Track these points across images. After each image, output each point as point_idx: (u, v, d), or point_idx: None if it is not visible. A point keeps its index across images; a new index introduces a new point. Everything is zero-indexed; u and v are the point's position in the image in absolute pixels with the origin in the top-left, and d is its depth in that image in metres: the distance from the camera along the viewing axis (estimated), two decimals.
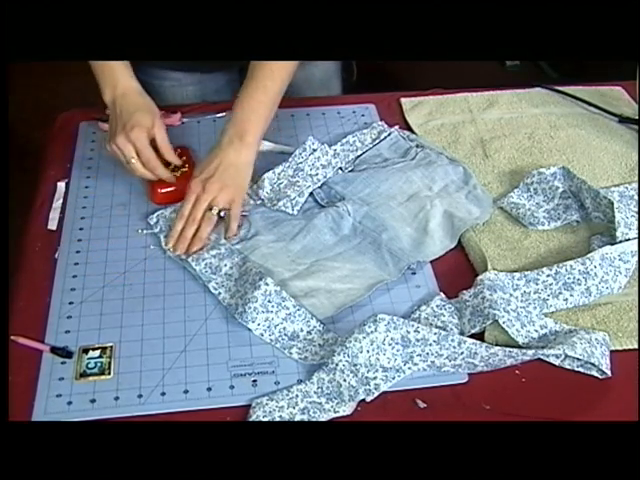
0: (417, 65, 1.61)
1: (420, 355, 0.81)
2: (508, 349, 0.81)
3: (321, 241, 0.96)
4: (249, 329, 0.85)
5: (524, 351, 0.81)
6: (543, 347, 0.82)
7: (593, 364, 0.80)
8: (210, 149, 0.99)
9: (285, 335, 0.85)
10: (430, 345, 0.82)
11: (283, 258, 0.93)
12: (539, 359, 0.82)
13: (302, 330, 0.85)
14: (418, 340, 0.82)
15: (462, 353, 0.81)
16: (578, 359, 0.82)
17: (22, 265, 0.94)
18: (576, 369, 0.82)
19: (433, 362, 0.81)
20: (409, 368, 0.81)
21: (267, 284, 0.86)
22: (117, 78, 1.00)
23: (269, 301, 0.85)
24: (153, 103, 1.02)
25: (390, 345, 0.81)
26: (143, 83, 1.04)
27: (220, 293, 0.89)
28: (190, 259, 0.92)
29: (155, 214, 0.99)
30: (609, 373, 0.80)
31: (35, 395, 0.79)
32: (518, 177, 1.07)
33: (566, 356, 0.82)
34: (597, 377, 0.81)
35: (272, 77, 0.99)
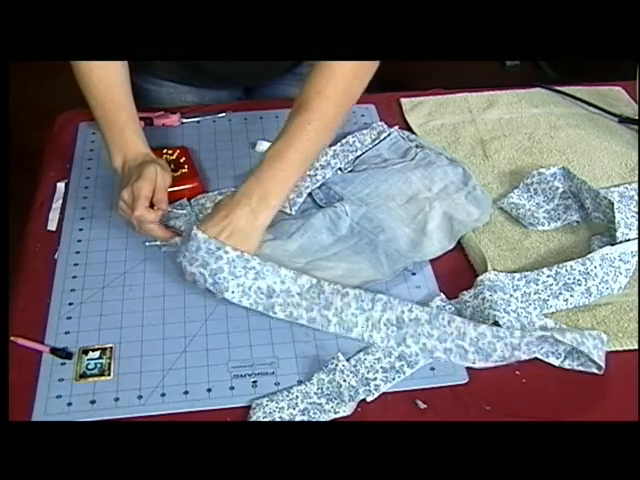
0: (417, 65, 1.61)
1: (413, 336, 0.82)
2: (495, 328, 0.81)
3: (318, 241, 0.96)
4: (255, 310, 0.86)
5: (512, 332, 0.81)
6: (533, 331, 0.83)
7: (583, 352, 0.80)
8: (223, 197, 0.91)
9: (262, 294, 0.86)
10: (422, 325, 0.83)
11: (279, 257, 0.93)
12: (538, 359, 0.82)
13: (275, 282, 0.86)
14: (411, 320, 0.83)
15: (452, 334, 0.82)
16: (578, 359, 0.82)
17: (22, 266, 0.94)
18: (576, 368, 0.82)
19: (425, 344, 0.82)
20: (409, 367, 0.81)
21: (227, 252, 0.86)
22: (129, 147, 0.97)
23: (234, 267, 0.86)
24: (161, 160, 0.99)
25: (385, 326, 0.83)
26: (140, 87, 1.04)
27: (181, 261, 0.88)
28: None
29: None
30: (602, 364, 0.80)
31: (35, 396, 0.79)
32: (518, 177, 1.07)
33: (565, 357, 0.82)
34: (597, 374, 0.81)
35: (307, 132, 0.90)
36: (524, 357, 0.82)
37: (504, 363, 0.82)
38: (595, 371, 0.81)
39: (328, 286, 0.86)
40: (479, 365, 0.82)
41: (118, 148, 0.98)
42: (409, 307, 0.84)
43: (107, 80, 0.99)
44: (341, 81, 0.93)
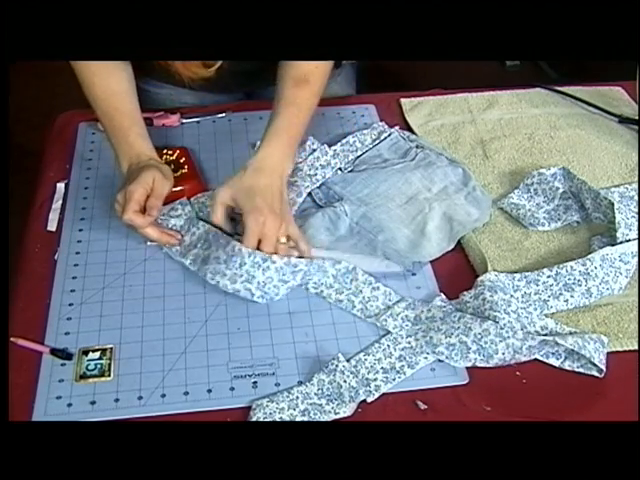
0: (417, 65, 1.61)
1: (424, 331, 0.84)
2: (500, 325, 0.82)
3: (317, 241, 0.96)
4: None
5: (515, 331, 0.81)
6: (535, 335, 0.83)
7: (584, 356, 0.80)
8: (237, 174, 0.93)
9: (305, 283, 0.91)
10: (435, 321, 0.85)
11: None
12: (538, 360, 0.82)
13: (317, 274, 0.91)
14: (427, 318, 0.86)
15: (458, 328, 0.83)
16: (578, 360, 0.82)
17: (22, 266, 0.94)
18: (576, 370, 0.82)
19: (431, 338, 0.83)
20: (409, 368, 0.82)
21: (274, 261, 0.87)
22: (134, 151, 0.98)
23: (283, 274, 0.87)
24: (164, 165, 1.00)
25: (402, 320, 0.86)
26: (139, 89, 1.04)
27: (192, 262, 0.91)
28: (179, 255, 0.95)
29: None
30: (603, 367, 0.80)
31: (35, 397, 0.79)
32: (518, 178, 1.07)
33: (565, 357, 0.82)
34: (597, 376, 0.81)
35: (313, 105, 1.00)
36: (524, 359, 0.82)
37: (504, 364, 0.82)
38: (595, 374, 0.81)
39: (362, 276, 0.90)
40: (479, 365, 0.82)
41: (124, 153, 0.99)
42: (428, 307, 0.87)
43: (110, 90, 1.01)
44: None
